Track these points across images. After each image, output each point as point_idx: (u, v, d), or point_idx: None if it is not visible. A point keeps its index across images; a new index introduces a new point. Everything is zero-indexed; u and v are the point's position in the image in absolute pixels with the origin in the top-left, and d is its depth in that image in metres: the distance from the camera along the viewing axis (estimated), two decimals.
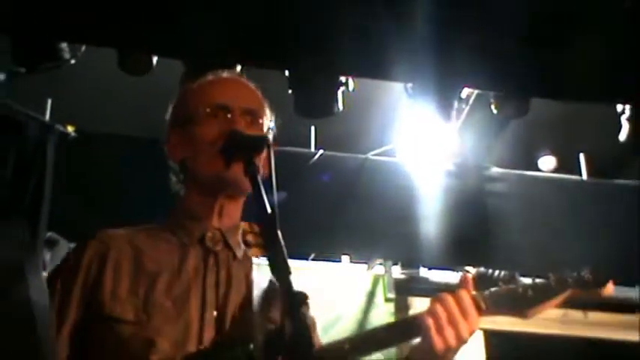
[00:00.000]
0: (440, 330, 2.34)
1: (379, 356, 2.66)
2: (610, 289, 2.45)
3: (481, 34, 5.22)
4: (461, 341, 2.35)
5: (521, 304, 2.43)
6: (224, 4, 4.99)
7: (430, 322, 2.35)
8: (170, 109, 2.81)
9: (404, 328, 2.52)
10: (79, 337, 2.40)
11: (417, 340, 2.44)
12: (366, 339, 2.45)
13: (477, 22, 5.20)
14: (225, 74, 2.86)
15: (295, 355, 1.97)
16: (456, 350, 2.37)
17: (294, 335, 1.96)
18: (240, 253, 2.65)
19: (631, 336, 7.23)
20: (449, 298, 2.38)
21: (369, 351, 2.45)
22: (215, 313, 2.50)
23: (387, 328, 2.57)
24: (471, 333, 2.37)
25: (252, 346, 2.34)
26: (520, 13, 5.28)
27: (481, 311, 2.39)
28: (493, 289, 2.45)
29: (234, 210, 2.69)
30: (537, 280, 2.45)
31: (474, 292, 2.42)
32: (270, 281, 2.57)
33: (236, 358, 2.34)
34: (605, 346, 7.26)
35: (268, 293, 2.56)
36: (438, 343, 2.34)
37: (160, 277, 2.50)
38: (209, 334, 2.45)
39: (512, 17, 5.26)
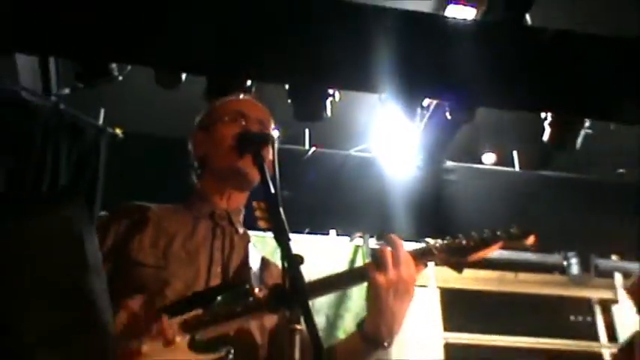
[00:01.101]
0: (382, 271, 2.26)
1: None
2: (531, 240, 2.42)
3: (438, 59, 5.23)
4: (401, 282, 2.26)
5: (463, 252, 2.36)
6: (237, 33, 4.98)
7: (373, 265, 2.28)
8: (198, 117, 2.83)
9: (353, 273, 2.49)
10: (111, 276, 2.35)
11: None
12: (324, 282, 2.34)
13: (435, 51, 5.22)
14: (246, 96, 2.90)
15: (295, 301, 1.92)
16: (401, 304, 2.29)
17: (293, 285, 1.95)
18: (241, 230, 2.67)
19: (550, 290, 7.45)
20: (387, 251, 2.29)
21: (328, 291, 2.44)
22: (219, 269, 2.51)
23: (340, 274, 2.42)
24: (410, 279, 2.28)
25: (248, 285, 2.35)
26: (468, 41, 5.31)
27: (432, 257, 2.33)
28: (443, 241, 2.37)
29: (239, 198, 2.70)
30: (475, 234, 2.38)
31: (430, 242, 2.36)
32: (262, 257, 2.61)
33: (236, 293, 2.33)
34: (530, 298, 7.28)
35: (261, 265, 2.58)
36: (379, 279, 2.24)
37: (176, 237, 2.52)
38: (214, 283, 2.47)
39: (462, 45, 5.28)
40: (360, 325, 2.36)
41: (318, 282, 2.35)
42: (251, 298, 2.30)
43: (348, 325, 6.34)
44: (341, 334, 5.90)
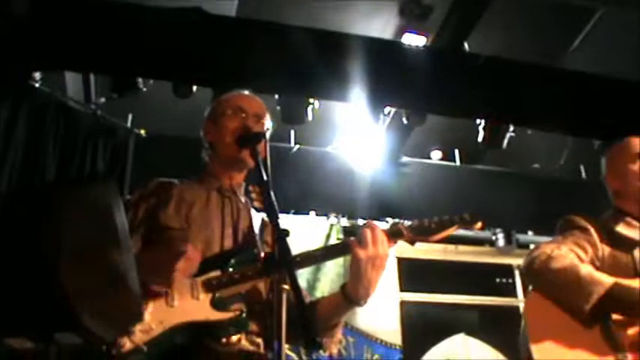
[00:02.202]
0: (363, 247, 2.26)
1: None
2: (479, 225, 2.43)
3: (397, 76, 5.26)
4: (378, 257, 2.27)
5: (427, 233, 2.36)
6: (239, 56, 5.01)
7: (356, 242, 2.28)
8: (209, 109, 2.79)
9: (338, 246, 2.43)
10: (146, 239, 2.41)
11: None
12: (310, 254, 2.33)
13: (394, 70, 5.25)
14: (247, 93, 2.83)
15: (283, 267, 1.93)
16: (377, 274, 2.29)
17: (281, 254, 1.97)
18: (243, 199, 2.66)
19: (481, 259, 7.50)
20: (367, 231, 2.29)
21: (315, 262, 2.40)
22: (230, 230, 2.51)
23: (327, 247, 2.47)
24: (384, 254, 2.29)
25: (256, 250, 2.38)
26: (420, 63, 5.35)
27: (402, 237, 2.35)
28: (411, 223, 2.39)
29: (239, 176, 2.68)
30: (436, 218, 2.38)
31: (401, 224, 2.37)
32: (262, 219, 2.58)
33: (246, 256, 2.35)
34: (467, 265, 7.35)
35: (262, 226, 2.56)
36: (360, 254, 2.25)
37: (194, 205, 2.51)
38: (228, 243, 2.47)
39: (416, 66, 5.32)
40: (343, 287, 2.37)
41: (307, 254, 2.35)
42: (258, 263, 2.29)
43: (324, 287, 6.36)
44: (318, 294, 5.91)
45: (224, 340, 2.22)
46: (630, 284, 2.56)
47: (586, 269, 2.60)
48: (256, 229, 2.54)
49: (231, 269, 2.31)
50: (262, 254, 2.30)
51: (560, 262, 2.63)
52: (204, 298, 2.24)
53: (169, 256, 2.33)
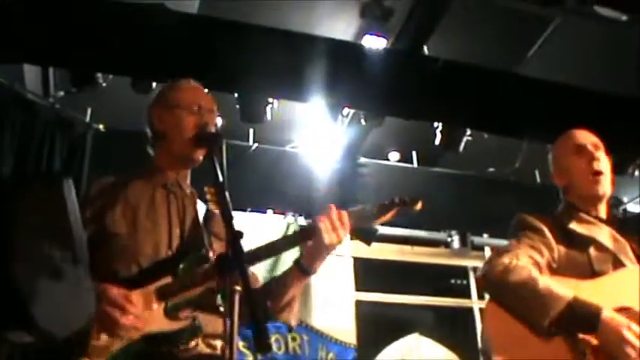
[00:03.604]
0: (327, 230, 2.34)
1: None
2: (419, 205, 2.48)
3: (356, 78, 5.30)
4: (339, 239, 2.36)
5: (370, 217, 2.43)
6: (197, 54, 5.01)
7: (321, 224, 2.34)
8: (157, 94, 2.72)
9: (304, 232, 2.49)
10: (93, 246, 2.29)
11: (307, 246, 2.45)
12: (272, 245, 2.39)
13: (354, 72, 5.29)
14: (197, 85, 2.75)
15: (236, 267, 1.92)
16: (334, 247, 2.38)
17: (235, 255, 1.96)
18: (188, 191, 2.64)
19: (437, 260, 7.55)
20: (332, 211, 2.38)
21: (276, 253, 2.44)
22: (178, 230, 2.50)
23: (289, 235, 2.52)
24: (344, 235, 2.37)
25: (203, 250, 2.38)
26: (380, 65, 5.39)
27: (349, 222, 2.40)
28: (354, 209, 2.44)
29: (186, 170, 2.67)
30: (377, 203, 2.46)
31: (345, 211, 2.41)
32: (207, 209, 2.57)
33: (196, 258, 2.36)
34: (422, 266, 7.45)
35: (207, 216, 2.55)
36: (326, 238, 2.33)
37: (140, 207, 2.49)
38: (176, 243, 2.46)
39: (375, 68, 5.37)
40: (298, 262, 2.44)
41: (264, 247, 2.38)
42: (207, 265, 2.31)
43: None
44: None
45: (181, 346, 2.25)
46: (588, 300, 2.51)
47: (544, 283, 2.56)
48: (202, 220, 2.53)
49: (182, 272, 2.31)
50: (211, 253, 2.36)
51: (517, 274, 2.59)
52: (158, 307, 2.25)
53: (117, 267, 2.34)
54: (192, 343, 2.28)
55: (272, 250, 2.41)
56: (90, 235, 2.36)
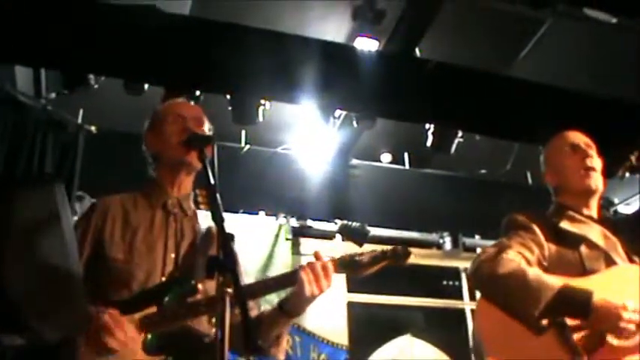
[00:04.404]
0: (310, 281, 2.34)
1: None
2: (410, 259, 2.44)
3: (348, 79, 5.31)
4: (321, 292, 2.36)
5: (358, 268, 2.40)
6: (191, 57, 5.01)
7: (304, 275, 2.35)
8: (147, 122, 2.75)
9: (287, 278, 2.44)
10: (89, 266, 2.39)
11: (290, 291, 2.45)
12: (261, 284, 2.43)
13: (346, 73, 5.30)
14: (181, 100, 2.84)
15: (226, 270, 1.93)
16: (316, 297, 2.38)
17: (225, 258, 1.97)
18: (190, 213, 2.64)
19: (429, 261, 7.51)
20: (317, 263, 2.38)
21: (264, 293, 2.45)
22: (173, 255, 2.50)
23: (275, 277, 2.48)
24: (328, 287, 2.38)
25: (193, 282, 2.36)
26: (372, 67, 5.40)
27: (335, 270, 2.40)
28: (342, 257, 2.42)
29: (187, 183, 2.67)
30: (370, 251, 2.42)
31: (330, 260, 2.40)
32: (208, 227, 2.58)
33: (184, 288, 2.35)
34: (414, 267, 7.32)
35: (207, 235, 2.57)
36: (307, 290, 2.34)
37: (138, 230, 2.50)
38: (169, 269, 2.46)
39: (367, 70, 5.37)
40: (282, 305, 2.45)
41: (257, 284, 2.43)
42: (193, 296, 2.31)
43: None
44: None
45: None
46: (579, 285, 2.55)
47: (534, 273, 2.58)
48: (200, 244, 2.54)
49: (167, 303, 2.29)
50: (199, 286, 2.34)
51: (506, 266, 2.61)
52: (137, 338, 2.24)
53: (110, 291, 2.34)
54: None
55: (262, 287, 2.42)
56: (88, 256, 2.42)
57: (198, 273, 2.40)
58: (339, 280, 6.89)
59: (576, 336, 2.53)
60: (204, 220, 2.60)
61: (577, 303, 2.50)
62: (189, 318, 2.33)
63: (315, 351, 6.53)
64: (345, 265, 2.41)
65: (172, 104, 2.79)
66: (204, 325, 2.46)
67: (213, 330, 2.40)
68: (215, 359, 1.77)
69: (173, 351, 2.29)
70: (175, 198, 2.63)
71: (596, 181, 2.92)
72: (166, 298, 2.30)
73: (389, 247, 2.44)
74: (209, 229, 2.59)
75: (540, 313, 2.49)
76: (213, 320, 2.41)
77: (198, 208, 2.62)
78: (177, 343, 2.31)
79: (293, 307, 2.43)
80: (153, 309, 2.29)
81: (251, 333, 1.83)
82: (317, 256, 2.43)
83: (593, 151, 2.98)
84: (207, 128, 2.66)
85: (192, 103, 2.86)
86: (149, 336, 2.25)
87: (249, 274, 6.17)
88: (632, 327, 2.47)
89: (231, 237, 2.02)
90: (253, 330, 1.87)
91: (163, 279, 2.43)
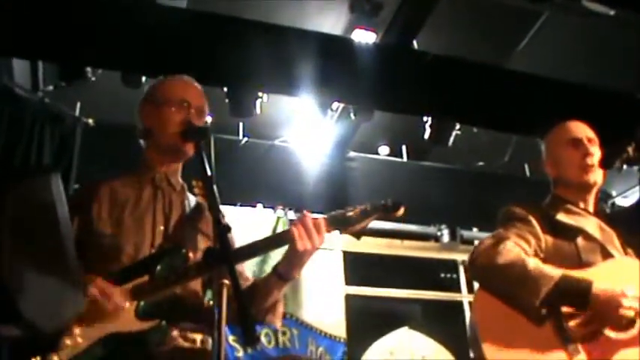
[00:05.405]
0: (301, 236, 2.28)
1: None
2: (401, 212, 2.38)
3: (345, 72, 5.31)
4: (314, 247, 2.31)
5: (350, 222, 2.34)
6: (191, 50, 5.01)
7: (295, 230, 2.29)
8: (147, 89, 2.71)
9: (277, 237, 2.43)
10: (79, 245, 2.35)
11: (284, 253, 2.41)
12: (252, 246, 2.34)
13: (343, 66, 5.30)
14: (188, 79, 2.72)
15: (224, 261, 1.94)
16: (310, 254, 2.35)
17: (222, 249, 1.97)
18: (178, 187, 2.63)
19: (426, 254, 7.51)
20: (308, 217, 2.32)
21: (257, 254, 2.43)
22: (162, 228, 2.49)
23: (265, 239, 2.40)
24: (320, 243, 2.32)
25: (184, 250, 2.36)
26: (369, 59, 5.40)
27: (328, 228, 2.34)
28: (332, 213, 2.37)
29: (176, 165, 2.65)
30: (359, 206, 2.37)
31: (323, 216, 2.34)
32: (197, 202, 2.58)
33: (174, 258, 2.34)
34: (412, 260, 7.44)
35: (197, 208, 2.58)
36: (299, 245, 2.27)
37: (126, 206, 2.49)
38: (158, 241, 2.46)
39: (364, 62, 5.37)
40: (275, 268, 2.42)
41: (248, 246, 2.35)
42: (185, 265, 2.30)
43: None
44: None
45: (151, 347, 2.24)
46: (578, 275, 2.57)
47: (534, 262, 2.59)
48: (189, 218, 2.54)
49: (159, 272, 2.29)
50: (193, 254, 2.35)
51: (505, 256, 2.62)
52: (129, 307, 2.24)
53: (101, 266, 2.32)
54: (167, 339, 2.28)
55: (252, 250, 2.38)
56: (77, 235, 2.36)
57: (189, 243, 2.42)
58: (337, 272, 6.91)
59: (573, 326, 2.54)
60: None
61: (577, 291, 2.52)
62: (180, 283, 2.31)
63: (313, 344, 6.53)
64: (337, 221, 2.36)
65: (180, 85, 2.68)
66: (198, 287, 2.48)
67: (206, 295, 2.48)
68: (208, 320, 1.77)
69: (166, 315, 2.29)
70: (163, 173, 2.62)
71: (596, 176, 2.92)
72: (158, 268, 2.30)
73: (379, 201, 2.41)
74: (199, 203, 2.59)
75: (541, 302, 2.50)
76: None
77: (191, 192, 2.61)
78: (170, 307, 2.32)
79: (287, 268, 2.40)
80: (145, 279, 2.29)
81: (249, 323, 1.82)
82: (306, 214, 2.38)
83: (594, 147, 2.97)
84: (207, 116, 2.64)
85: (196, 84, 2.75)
86: (141, 303, 2.26)
87: (246, 267, 6.22)
88: (631, 313, 2.49)
89: (227, 228, 2.01)
90: (251, 321, 1.86)
91: (153, 251, 2.43)
